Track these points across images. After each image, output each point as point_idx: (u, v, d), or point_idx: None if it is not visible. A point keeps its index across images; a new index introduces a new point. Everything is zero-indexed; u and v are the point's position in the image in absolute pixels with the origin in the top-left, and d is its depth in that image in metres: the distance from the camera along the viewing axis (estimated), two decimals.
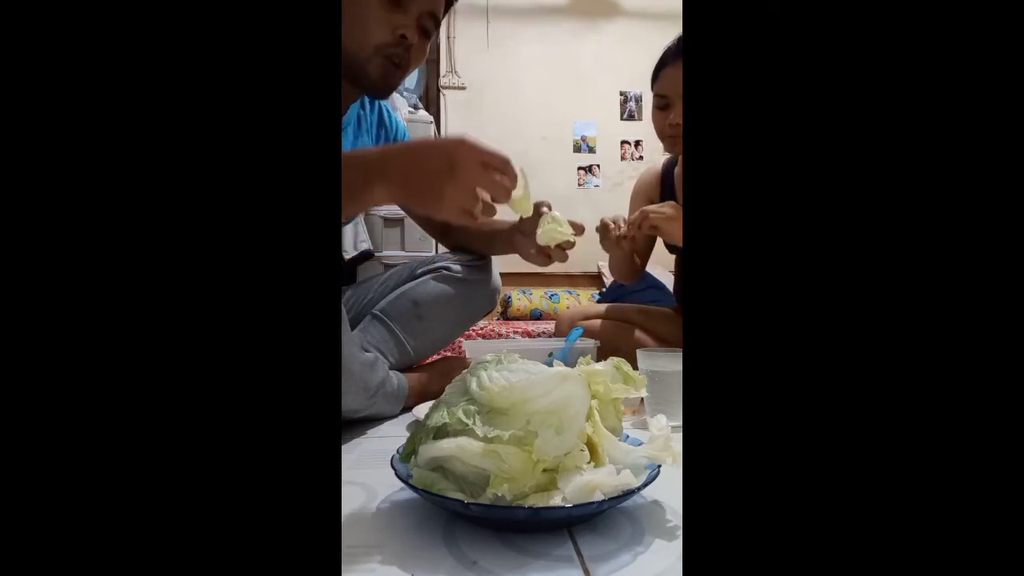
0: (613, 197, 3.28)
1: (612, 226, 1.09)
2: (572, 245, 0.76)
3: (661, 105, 1.10)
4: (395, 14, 0.75)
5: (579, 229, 0.73)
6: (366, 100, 0.98)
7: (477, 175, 0.57)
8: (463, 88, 3.26)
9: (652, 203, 1.32)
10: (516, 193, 0.60)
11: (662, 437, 0.49)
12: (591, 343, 1.05)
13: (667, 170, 1.29)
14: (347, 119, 0.94)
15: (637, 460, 0.49)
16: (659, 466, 0.49)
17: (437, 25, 0.82)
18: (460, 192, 0.57)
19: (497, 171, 0.57)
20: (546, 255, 0.80)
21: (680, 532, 0.45)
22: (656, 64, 1.11)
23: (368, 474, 0.60)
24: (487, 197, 0.60)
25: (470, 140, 0.57)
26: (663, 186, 1.30)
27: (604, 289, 2.63)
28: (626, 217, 1.12)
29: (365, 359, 0.80)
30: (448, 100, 3.25)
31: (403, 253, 2.05)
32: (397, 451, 0.52)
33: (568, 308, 2.65)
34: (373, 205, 0.62)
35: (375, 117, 1.02)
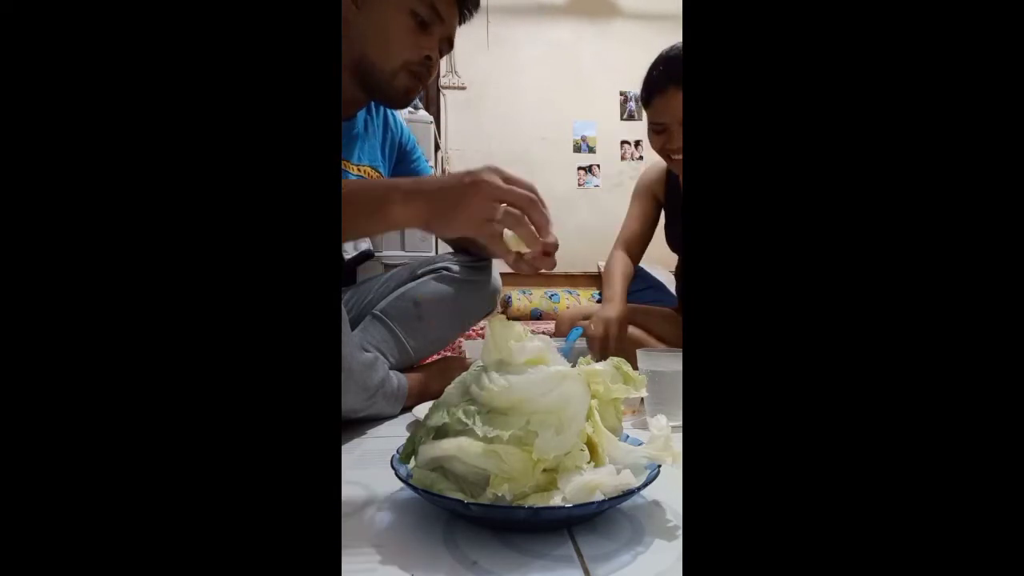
0: (613, 197, 3.28)
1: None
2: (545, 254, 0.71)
3: (658, 130, 1.07)
4: (422, 36, 0.84)
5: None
6: (372, 105, 1.00)
7: (501, 191, 0.56)
8: (463, 88, 3.26)
9: (657, 201, 1.32)
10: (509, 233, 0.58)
11: (662, 437, 0.49)
12: None
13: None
14: (355, 123, 0.95)
15: (637, 460, 0.49)
16: (659, 466, 0.49)
17: (451, 46, 0.90)
18: (483, 207, 0.56)
19: (520, 188, 0.57)
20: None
21: (680, 532, 0.45)
22: (644, 86, 1.06)
23: (368, 474, 0.60)
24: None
25: (494, 166, 0.58)
26: (668, 183, 1.29)
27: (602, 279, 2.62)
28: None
29: (365, 359, 0.80)
30: (448, 100, 3.26)
31: (403, 253, 2.05)
32: (397, 451, 0.52)
33: (568, 308, 2.65)
34: (398, 226, 0.63)
35: (380, 120, 1.03)
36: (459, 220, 0.58)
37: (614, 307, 1.13)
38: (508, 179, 0.57)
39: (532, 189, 0.57)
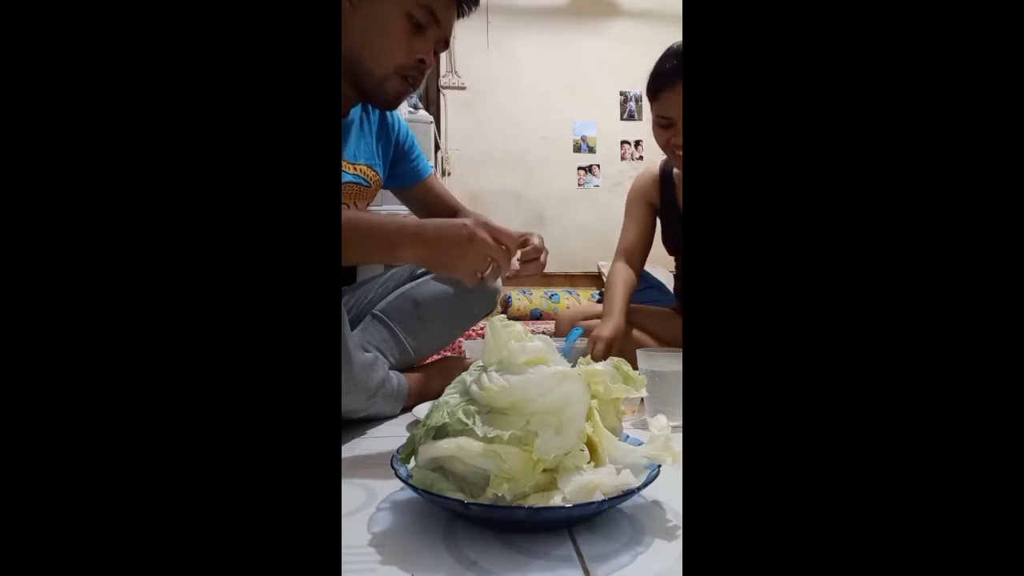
0: (613, 197, 3.28)
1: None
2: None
3: (664, 124, 1.06)
4: (416, 40, 0.83)
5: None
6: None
7: (490, 248, 0.68)
8: (463, 88, 3.25)
9: (651, 205, 1.31)
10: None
11: (662, 437, 0.49)
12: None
13: (665, 172, 1.28)
14: (349, 121, 0.95)
15: (637, 460, 0.49)
16: (659, 466, 0.49)
17: (446, 45, 0.88)
18: (476, 260, 0.69)
19: (505, 244, 0.69)
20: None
21: (680, 532, 0.45)
22: (652, 79, 1.06)
23: (368, 474, 0.60)
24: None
25: (486, 220, 0.70)
26: (662, 187, 1.29)
27: (604, 289, 2.62)
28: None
29: (365, 359, 0.80)
30: (448, 100, 3.25)
31: None
32: (397, 451, 0.52)
33: (568, 308, 2.65)
34: (400, 262, 0.73)
35: (376, 118, 1.01)
36: (453, 268, 0.70)
37: (610, 324, 1.10)
38: (494, 233, 0.68)
39: (514, 240, 0.70)
